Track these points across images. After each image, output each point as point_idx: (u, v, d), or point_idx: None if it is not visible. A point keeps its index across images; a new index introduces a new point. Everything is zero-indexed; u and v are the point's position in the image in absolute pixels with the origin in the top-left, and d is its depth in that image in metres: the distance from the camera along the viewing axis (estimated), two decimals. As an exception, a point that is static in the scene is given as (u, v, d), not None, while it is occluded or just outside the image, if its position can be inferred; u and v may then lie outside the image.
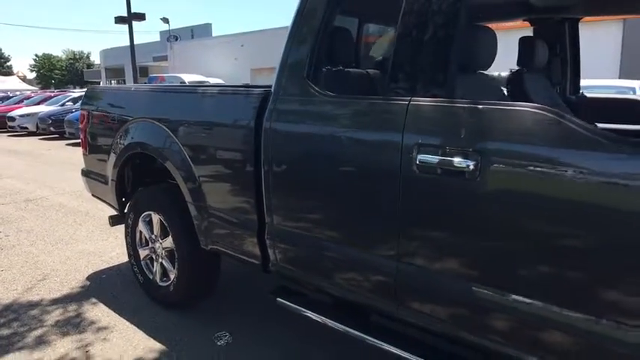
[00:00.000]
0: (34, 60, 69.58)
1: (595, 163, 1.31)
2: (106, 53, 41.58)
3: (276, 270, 2.29)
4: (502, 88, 2.48)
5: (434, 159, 1.60)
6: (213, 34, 33.86)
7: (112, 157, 3.16)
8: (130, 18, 19.92)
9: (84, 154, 3.59)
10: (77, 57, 67.49)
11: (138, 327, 2.80)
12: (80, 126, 3.60)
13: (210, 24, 35.86)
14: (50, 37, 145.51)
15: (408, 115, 1.70)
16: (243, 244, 2.40)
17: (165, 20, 33.88)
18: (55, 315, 2.96)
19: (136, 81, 21.38)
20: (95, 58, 64.27)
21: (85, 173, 3.63)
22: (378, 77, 2.55)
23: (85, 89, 3.81)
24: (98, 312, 3.00)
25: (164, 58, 32.66)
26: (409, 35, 1.76)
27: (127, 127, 3.02)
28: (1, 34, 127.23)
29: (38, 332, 2.75)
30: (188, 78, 20.14)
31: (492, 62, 2.08)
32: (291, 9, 2.12)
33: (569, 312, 1.39)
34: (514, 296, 1.50)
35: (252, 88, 2.63)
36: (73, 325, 2.84)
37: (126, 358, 2.47)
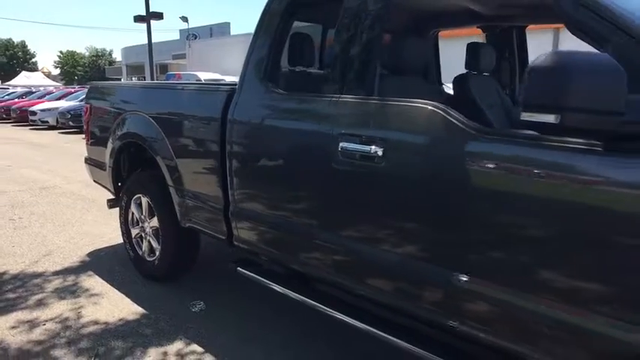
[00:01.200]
0: (59, 56, 71.27)
1: (464, 148, 1.62)
2: (127, 51, 42.55)
3: (239, 244, 2.63)
4: (445, 89, 2.78)
5: (352, 146, 1.92)
6: (232, 33, 34.41)
7: (109, 146, 3.54)
8: (148, 17, 20.53)
9: (86, 144, 3.99)
10: (99, 54, 68.98)
11: (126, 295, 3.17)
12: (83, 118, 4.00)
13: (229, 23, 36.41)
14: (75, 35, 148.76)
15: (337, 109, 2.02)
16: (212, 222, 2.75)
17: (184, 19, 34.55)
18: (55, 283, 3.36)
19: (153, 78, 21.97)
20: (117, 56, 65.54)
21: (88, 161, 4.03)
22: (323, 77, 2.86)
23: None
24: (93, 282, 3.38)
25: (183, 56, 33.30)
26: (341, 42, 2.09)
27: (121, 119, 3.39)
28: (28, 31, 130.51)
29: (39, 296, 3.14)
30: (204, 76, 20.58)
31: (427, 66, 2.38)
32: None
33: (456, 273, 1.69)
34: (416, 260, 1.82)
35: (223, 85, 2.97)
36: (70, 291, 3.23)
37: (111, 319, 2.85)
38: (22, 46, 67.58)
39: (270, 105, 2.36)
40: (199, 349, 2.53)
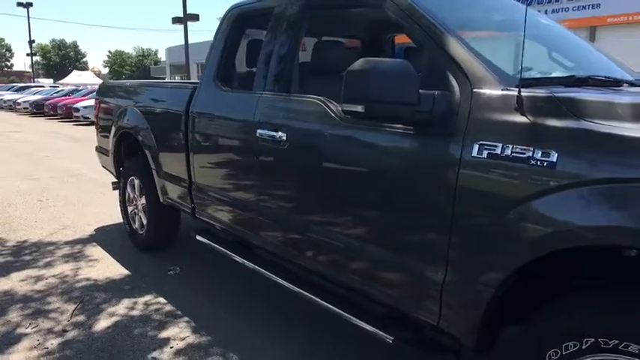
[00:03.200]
0: (108, 56, 74.64)
1: (336, 132, 2.07)
2: (170, 51, 44.18)
3: (199, 216, 3.16)
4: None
5: (266, 132, 2.40)
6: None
7: (112, 135, 4.15)
8: (185, 18, 21.55)
9: (96, 134, 4.63)
10: (146, 54, 71.79)
11: (117, 261, 3.77)
12: (94, 112, 4.65)
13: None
14: (123, 35, 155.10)
15: (259, 103, 2.50)
16: (181, 198, 3.29)
17: (223, 20, 35.67)
18: (64, 250, 4.00)
19: (189, 77, 22.99)
20: (162, 55, 68.06)
21: (97, 149, 4.67)
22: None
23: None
24: (94, 250, 4.00)
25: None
26: (265, 46, 2.57)
27: (120, 113, 3.99)
28: (80, 32, 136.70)
29: (48, 259, 3.78)
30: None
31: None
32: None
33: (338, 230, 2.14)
34: (314, 225, 2.27)
35: (191, 83, 3.49)
36: (74, 257, 3.85)
37: (100, 278, 3.43)
38: (74, 46, 71.21)
39: (215, 100, 2.87)
40: (164, 300, 3.07)
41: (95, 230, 4.56)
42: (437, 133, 1.70)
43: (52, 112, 19.43)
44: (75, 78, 51.03)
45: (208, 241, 3.05)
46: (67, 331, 2.69)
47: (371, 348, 2.42)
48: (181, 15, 21.89)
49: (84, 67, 69.62)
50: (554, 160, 1.40)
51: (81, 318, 2.84)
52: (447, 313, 1.73)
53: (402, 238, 1.86)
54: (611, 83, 1.87)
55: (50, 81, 51.29)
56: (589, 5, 22.49)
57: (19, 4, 41.87)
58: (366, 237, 2.01)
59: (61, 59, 69.80)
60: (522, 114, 1.52)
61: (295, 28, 2.47)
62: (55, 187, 6.49)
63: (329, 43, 3.03)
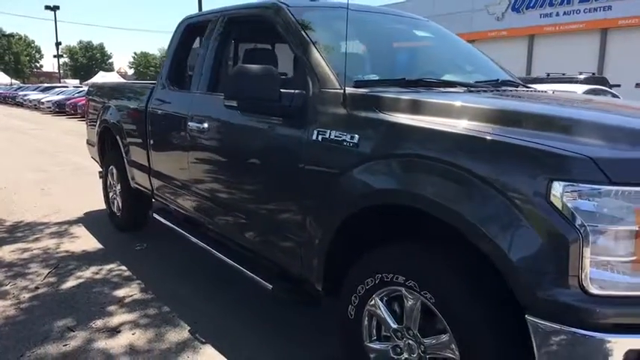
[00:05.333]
0: (133, 57, 76.55)
1: (230, 120, 2.57)
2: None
3: (156, 197, 3.69)
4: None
5: (194, 124, 2.91)
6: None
7: (96, 129, 4.73)
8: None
9: (86, 128, 5.23)
10: (169, 55, 73.34)
11: (95, 238, 4.34)
12: (84, 109, 5.24)
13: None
14: (149, 37, 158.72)
15: (192, 100, 3.02)
16: (143, 181, 3.83)
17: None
18: (52, 229, 4.59)
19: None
20: (184, 57, 69.44)
21: (87, 142, 5.27)
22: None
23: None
24: (78, 229, 4.59)
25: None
26: (200, 53, 3.09)
27: (102, 109, 4.56)
28: (106, 34, 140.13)
29: (37, 236, 4.37)
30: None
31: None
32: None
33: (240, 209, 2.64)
34: (224, 197, 2.77)
35: (151, 83, 4.03)
36: (59, 234, 4.44)
37: (77, 250, 4.00)
38: (100, 47, 73.32)
39: (165, 98, 3.40)
40: (124, 268, 3.61)
41: (84, 214, 5.16)
42: (294, 123, 2.18)
43: (72, 112, 20.41)
44: (100, 79, 52.64)
45: (162, 219, 3.58)
46: (39, 288, 3.25)
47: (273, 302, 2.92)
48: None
49: (110, 69, 71.63)
50: (357, 141, 1.87)
51: (52, 279, 3.41)
52: (304, 264, 2.20)
53: (271, 201, 2.36)
54: (439, 84, 2.31)
55: (76, 82, 53.12)
56: (600, 7, 22.45)
57: (47, 7, 43.61)
58: (249, 200, 2.52)
59: (87, 60, 72.04)
60: (344, 107, 1.99)
61: (221, 38, 2.98)
62: (60, 178, 7.16)
63: (256, 50, 3.50)
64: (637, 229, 1.31)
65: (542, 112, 1.73)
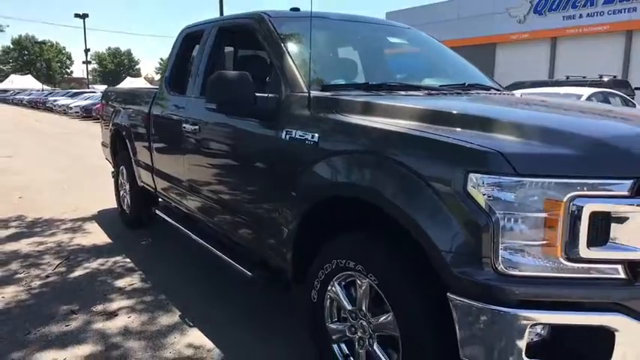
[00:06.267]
0: (159, 63, 78.17)
1: (214, 120, 2.79)
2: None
3: (159, 194, 3.95)
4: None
5: (188, 126, 3.15)
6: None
7: (109, 131, 5.04)
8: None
9: (101, 131, 5.56)
10: (194, 61, 74.74)
11: (106, 232, 4.64)
12: (100, 112, 5.58)
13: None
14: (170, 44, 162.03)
15: (187, 104, 3.27)
16: (148, 181, 4.10)
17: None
18: (68, 225, 4.91)
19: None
20: (209, 62, 70.58)
21: (102, 143, 5.60)
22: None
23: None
24: (91, 225, 4.90)
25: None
26: (195, 60, 3.33)
27: (114, 113, 4.87)
28: (133, 41, 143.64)
29: (53, 231, 4.70)
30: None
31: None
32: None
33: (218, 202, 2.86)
34: (213, 192, 3.00)
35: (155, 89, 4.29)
36: (73, 229, 4.76)
37: (87, 244, 4.30)
38: (128, 54, 75.19)
39: (164, 102, 3.66)
40: (128, 260, 3.88)
41: (98, 212, 5.48)
42: (267, 124, 2.39)
43: (97, 117, 21.12)
44: (128, 85, 54.13)
45: (164, 215, 3.84)
46: (49, 277, 3.54)
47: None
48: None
49: (137, 74, 73.38)
50: (316, 140, 2.07)
51: (62, 269, 3.70)
52: (278, 255, 2.40)
53: (250, 196, 2.58)
54: (400, 88, 2.48)
55: (104, 87, 54.68)
56: (625, 9, 22.05)
57: (77, 15, 45.07)
58: (233, 197, 2.76)
59: (116, 67, 74.02)
60: (308, 109, 2.19)
61: (213, 46, 3.22)
62: (81, 178, 7.56)
63: (245, 57, 3.72)
64: (543, 216, 1.47)
65: (474, 113, 1.90)
